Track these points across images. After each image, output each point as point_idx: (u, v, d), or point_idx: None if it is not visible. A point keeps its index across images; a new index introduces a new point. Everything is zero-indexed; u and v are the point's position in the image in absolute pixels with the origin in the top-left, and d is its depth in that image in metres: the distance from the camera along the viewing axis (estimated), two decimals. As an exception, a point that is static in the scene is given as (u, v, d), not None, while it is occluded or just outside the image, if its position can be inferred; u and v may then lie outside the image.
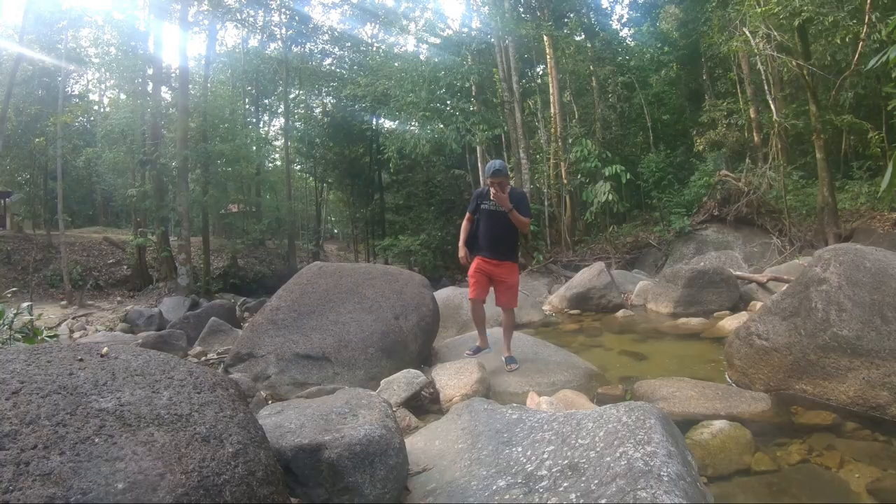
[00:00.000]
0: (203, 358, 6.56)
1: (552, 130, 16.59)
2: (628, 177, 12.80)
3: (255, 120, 26.27)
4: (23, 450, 1.20)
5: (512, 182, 15.89)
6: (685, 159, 17.26)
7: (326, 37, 25.78)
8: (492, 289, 4.26)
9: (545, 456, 2.05)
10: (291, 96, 25.68)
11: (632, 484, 1.62)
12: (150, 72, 18.30)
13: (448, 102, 14.63)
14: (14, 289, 11.16)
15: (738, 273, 7.88)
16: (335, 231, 42.65)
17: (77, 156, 21.12)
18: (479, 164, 15.11)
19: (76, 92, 26.02)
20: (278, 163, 29.39)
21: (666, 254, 12.65)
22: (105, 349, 1.75)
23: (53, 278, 16.26)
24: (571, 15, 17.99)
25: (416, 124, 14.46)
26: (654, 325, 6.56)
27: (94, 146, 20.88)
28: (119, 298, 15.93)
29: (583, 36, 19.05)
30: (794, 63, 10.71)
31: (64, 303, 14.22)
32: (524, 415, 2.53)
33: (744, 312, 6.29)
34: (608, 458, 1.82)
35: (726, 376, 3.99)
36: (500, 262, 4.08)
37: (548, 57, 16.73)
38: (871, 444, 2.71)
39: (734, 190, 12.14)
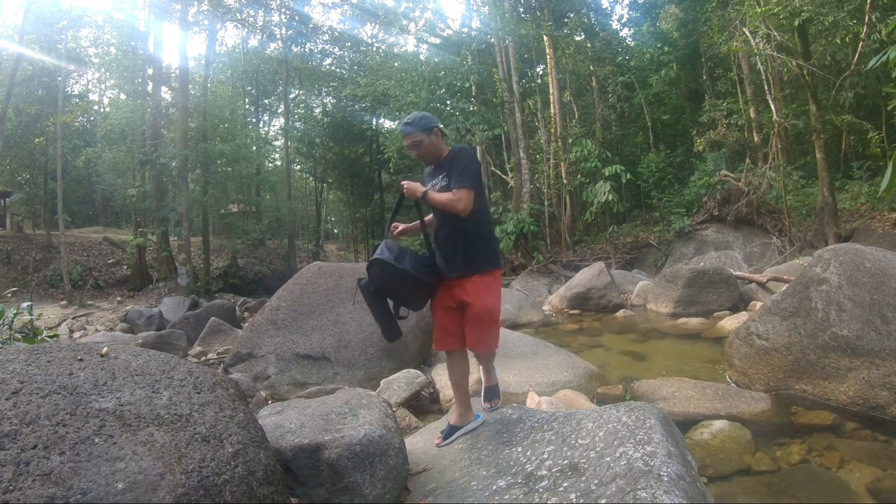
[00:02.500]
0: (203, 358, 6.56)
1: (552, 130, 16.59)
2: (628, 177, 12.80)
3: (255, 120, 26.27)
4: (23, 450, 1.20)
5: (511, 181, 16.08)
6: (685, 159, 17.26)
7: (326, 37, 25.80)
8: None
9: (545, 456, 2.05)
10: (291, 96, 25.69)
11: (632, 484, 1.62)
12: (150, 72, 18.31)
13: (448, 102, 14.63)
14: (14, 289, 11.17)
15: (738, 273, 7.88)
16: (335, 231, 42.65)
17: (77, 156, 21.13)
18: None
19: (76, 92, 26.00)
20: (278, 163, 29.40)
21: (666, 254, 12.64)
22: (105, 349, 1.75)
23: (53, 278, 16.27)
24: (571, 15, 17.98)
25: (416, 124, 14.44)
26: (654, 325, 6.56)
27: (94, 146, 20.91)
28: (119, 298, 15.93)
29: (583, 36, 19.04)
30: (794, 63, 10.70)
31: (64, 303, 14.21)
32: (524, 415, 2.53)
33: (744, 312, 6.29)
34: (608, 458, 1.82)
35: (726, 376, 3.99)
36: (462, 277, 2.44)
37: (548, 57, 16.72)
38: (871, 444, 2.71)
39: (734, 190, 12.14)
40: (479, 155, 15.09)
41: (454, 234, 2.46)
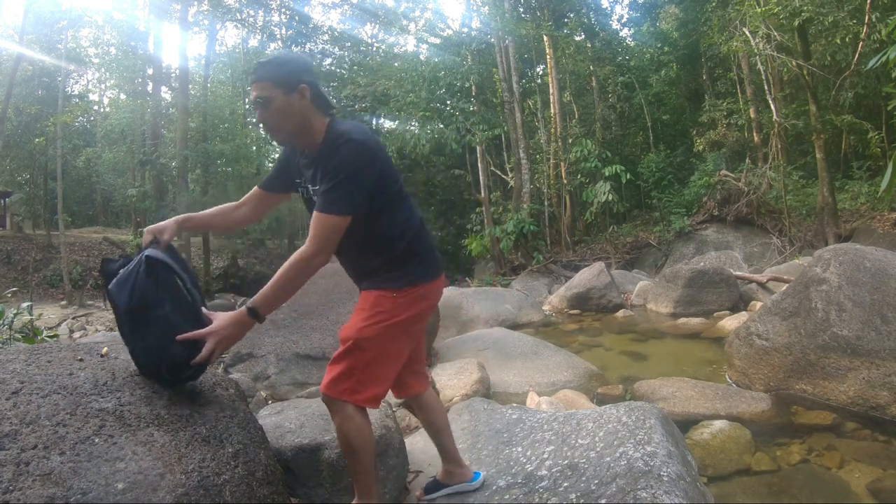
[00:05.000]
0: (203, 358, 6.55)
1: (552, 130, 16.59)
2: (628, 177, 12.79)
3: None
4: (23, 450, 1.20)
5: (511, 181, 16.12)
6: (685, 159, 17.26)
7: (326, 37, 25.79)
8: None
9: (545, 456, 2.05)
10: (291, 96, 25.67)
11: (632, 484, 1.62)
12: (150, 72, 18.35)
13: (448, 102, 14.63)
14: (14, 289, 11.17)
15: (738, 273, 7.88)
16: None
17: (77, 156, 21.14)
18: (479, 164, 15.12)
19: (76, 92, 25.99)
20: (278, 163, 29.36)
21: (666, 254, 12.64)
22: (105, 349, 1.75)
23: (53, 278, 16.27)
24: (571, 15, 17.98)
25: (416, 124, 14.48)
26: (654, 325, 6.56)
27: (94, 146, 20.93)
28: (119, 298, 15.90)
29: (583, 36, 19.04)
30: (794, 63, 10.70)
31: (64, 303, 14.21)
32: (524, 415, 2.54)
33: (744, 312, 6.29)
34: (608, 458, 1.82)
35: (726, 376, 3.98)
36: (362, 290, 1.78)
37: (548, 57, 16.72)
38: (871, 444, 2.71)
39: (734, 190, 12.14)
40: (479, 155, 15.10)
41: (357, 241, 1.67)
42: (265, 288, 1.53)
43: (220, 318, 1.51)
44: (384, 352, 1.67)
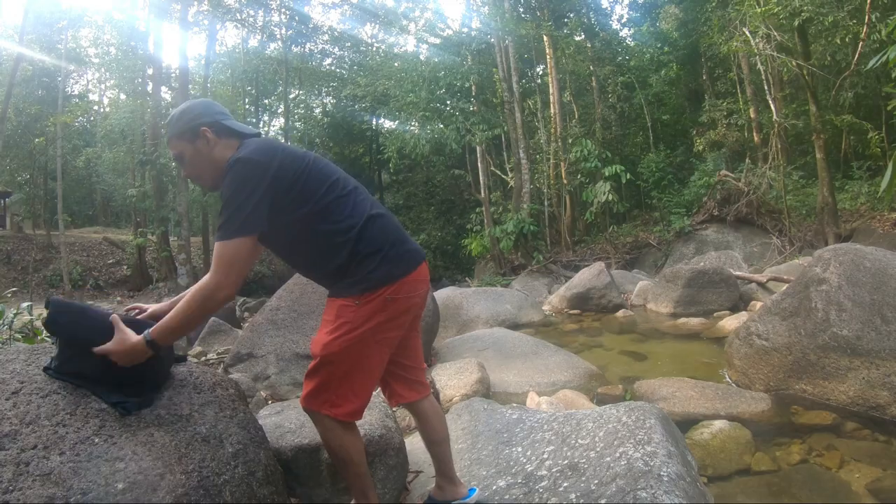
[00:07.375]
0: (203, 358, 6.55)
1: (552, 130, 16.59)
2: (628, 177, 12.80)
3: (255, 120, 26.29)
4: (23, 450, 1.20)
5: (511, 181, 16.10)
6: (685, 159, 17.27)
7: (326, 37, 25.82)
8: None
9: (545, 456, 2.05)
10: (291, 96, 25.72)
11: (632, 484, 1.62)
12: (150, 72, 18.33)
13: (448, 102, 14.64)
14: (14, 289, 11.17)
15: (738, 273, 7.87)
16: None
17: (77, 156, 21.14)
18: (479, 164, 15.12)
19: (76, 92, 26.03)
20: (278, 163, 29.34)
21: (666, 254, 12.64)
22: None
23: (53, 278, 16.28)
24: (571, 15, 17.99)
25: (416, 124, 14.49)
26: (654, 325, 6.56)
27: (94, 146, 20.92)
28: (119, 298, 15.94)
29: (583, 36, 19.05)
30: (794, 63, 10.71)
31: (64, 303, 14.20)
32: (524, 415, 2.54)
33: (744, 312, 6.29)
34: (608, 458, 1.82)
35: (726, 376, 3.99)
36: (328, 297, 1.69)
37: (548, 57, 16.72)
38: (871, 444, 2.71)
39: (734, 190, 12.15)
40: (479, 155, 15.08)
41: (301, 250, 1.66)
42: (167, 318, 1.45)
43: (118, 341, 1.42)
44: (358, 363, 1.58)
